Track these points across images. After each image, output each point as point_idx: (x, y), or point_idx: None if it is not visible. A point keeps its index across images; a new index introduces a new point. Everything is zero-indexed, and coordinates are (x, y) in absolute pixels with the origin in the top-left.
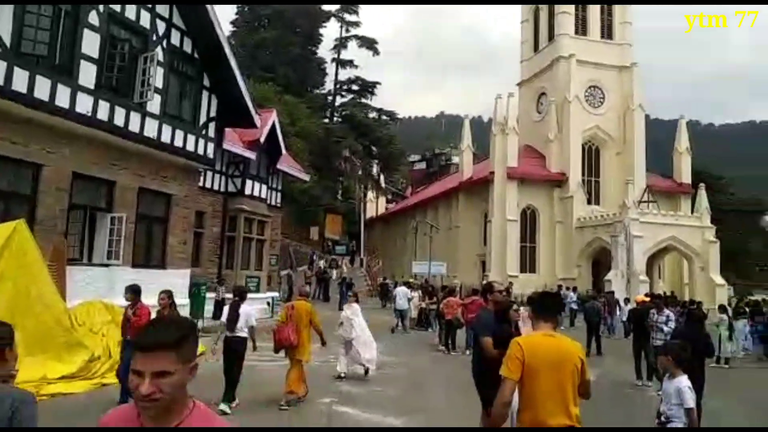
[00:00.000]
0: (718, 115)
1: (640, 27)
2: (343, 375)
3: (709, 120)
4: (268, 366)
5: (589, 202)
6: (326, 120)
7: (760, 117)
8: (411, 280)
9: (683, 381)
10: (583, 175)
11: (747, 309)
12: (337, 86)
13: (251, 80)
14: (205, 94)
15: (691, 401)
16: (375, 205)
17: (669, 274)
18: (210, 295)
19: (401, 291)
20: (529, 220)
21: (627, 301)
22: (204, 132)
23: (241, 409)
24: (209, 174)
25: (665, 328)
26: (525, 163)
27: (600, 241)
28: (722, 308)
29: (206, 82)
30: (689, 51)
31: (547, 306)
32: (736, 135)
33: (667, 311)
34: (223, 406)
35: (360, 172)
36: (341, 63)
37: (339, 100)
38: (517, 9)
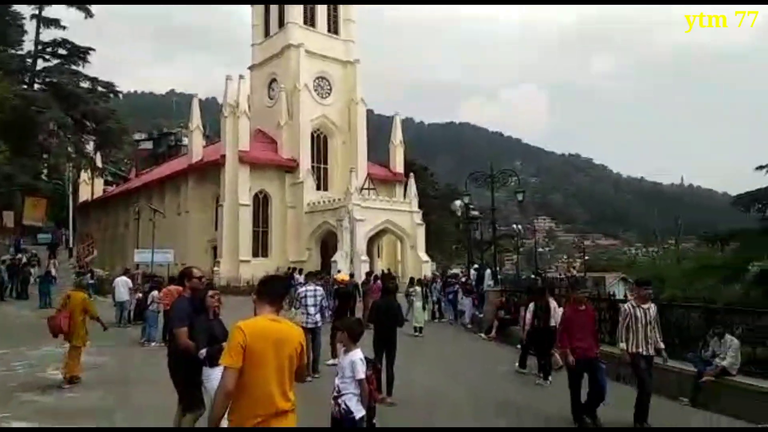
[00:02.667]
0: (428, 114)
1: (369, 27)
2: None
3: (421, 118)
4: None
5: (318, 188)
6: (25, 86)
7: (459, 119)
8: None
9: (357, 354)
10: (312, 161)
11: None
12: (39, 47)
13: None
14: None
15: (362, 372)
16: (90, 188)
17: (386, 254)
18: None
19: (121, 281)
20: (261, 205)
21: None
22: None
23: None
24: None
25: (309, 301)
26: (257, 148)
27: (328, 224)
28: (417, 282)
29: None
30: (412, 58)
31: (272, 289)
32: (441, 131)
33: (312, 285)
34: None
35: (70, 149)
36: (45, 21)
37: (42, 64)
38: None
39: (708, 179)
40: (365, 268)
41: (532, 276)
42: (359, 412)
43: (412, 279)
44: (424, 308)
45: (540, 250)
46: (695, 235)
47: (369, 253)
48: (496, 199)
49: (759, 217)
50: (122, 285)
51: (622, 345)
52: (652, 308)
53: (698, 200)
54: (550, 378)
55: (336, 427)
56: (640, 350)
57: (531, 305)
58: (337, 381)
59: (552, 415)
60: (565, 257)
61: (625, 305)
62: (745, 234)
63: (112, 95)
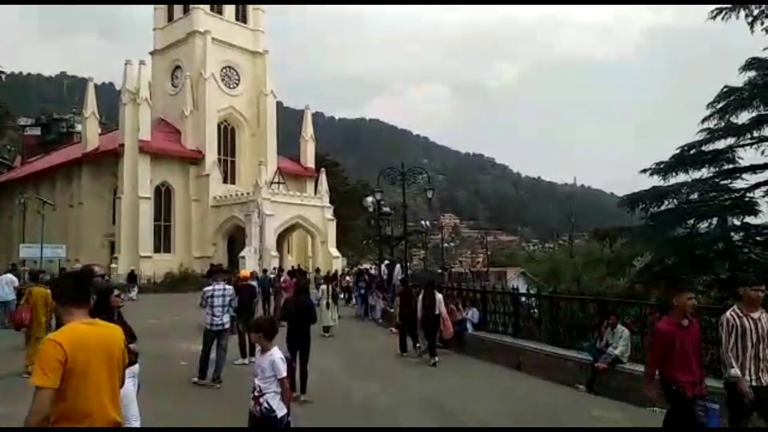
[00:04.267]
0: (338, 109)
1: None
2: None
3: (332, 113)
4: None
5: (225, 181)
6: None
7: (369, 115)
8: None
9: (276, 353)
10: (219, 153)
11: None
12: None
13: None
14: None
15: (283, 371)
16: None
17: (296, 249)
18: None
19: (6, 279)
20: (164, 198)
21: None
22: None
23: None
24: None
25: (217, 302)
26: (159, 138)
27: (235, 219)
28: (323, 279)
29: None
30: (322, 51)
31: (75, 288)
32: (350, 127)
33: (222, 285)
34: None
35: None
36: None
37: None
38: None
39: (597, 179)
40: (275, 263)
41: (439, 270)
42: (281, 410)
43: (325, 277)
44: (327, 306)
45: (446, 245)
46: (586, 232)
47: (279, 248)
48: (405, 196)
49: (642, 217)
50: (7, 283)
51: (734, 372)
52: (765, 317)
53: (589, 199)
54: (437, 357)
55: (257, 425)
56: (749, 377)
57: (420, 296)
58: (256, 381)
59: (461, 408)
60: (469, 252)
61: (728, 314)
62: (630, 231)
63: None
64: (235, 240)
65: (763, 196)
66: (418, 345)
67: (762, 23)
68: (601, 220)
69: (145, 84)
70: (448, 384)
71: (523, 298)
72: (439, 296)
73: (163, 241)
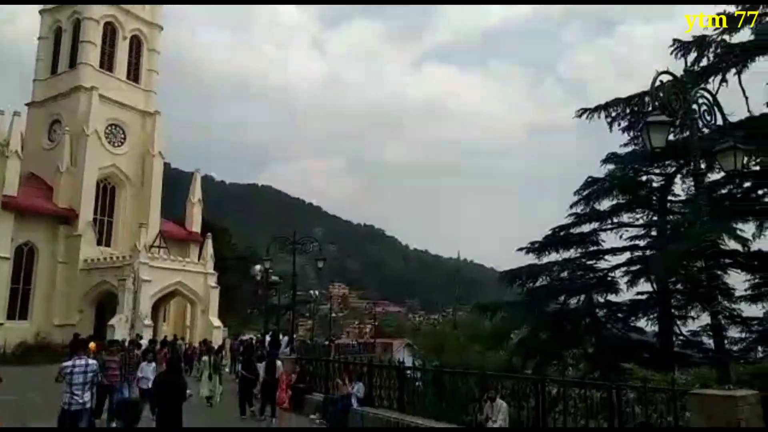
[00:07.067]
0: (229, 174)
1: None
2: None
3: (222, 177)
4: None
5: (99, 243)
6: None
7: (261, 181)
8: None
9: None
10: (95, 213)
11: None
12: None
13: None
14: None
15: None
16: None
17: (173, 318)
18: None
19: None
20: (25, 259)
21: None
22: None
23: None
24: None
25: (77, 378)
26: (27, 194)
27: (107, 284)
28: (207, 350)
29: None
30: (218, 115)
31: None
32: (242, 192)
33: (83, 359)
34: None
35: None
36: None
37: None
38: (37, 19)
39: (482, 255)
40: (149, 333)
41: (326, 342)
42: None
43: (209, 349)
44: (210, 378)
45: (334, 315)
46: (469, 305)
47: (154, 317)
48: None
49: (520, 292)
50: None
51: None
52: None
53: (472, 273)
54: (275, 418)
55: None
56: None
57: (263, 364)
58: None
59: None
60: (357, 323)
61: None
62: (509, 306)
63: None
64: (105, 307)
65: (623, 276)
66: (252, 408)
67: (619, 124)
68: (484, 294)
69: (17, 136)
70: None
71: (409, 372)
72: (278, 363)
73: (19, 306)
